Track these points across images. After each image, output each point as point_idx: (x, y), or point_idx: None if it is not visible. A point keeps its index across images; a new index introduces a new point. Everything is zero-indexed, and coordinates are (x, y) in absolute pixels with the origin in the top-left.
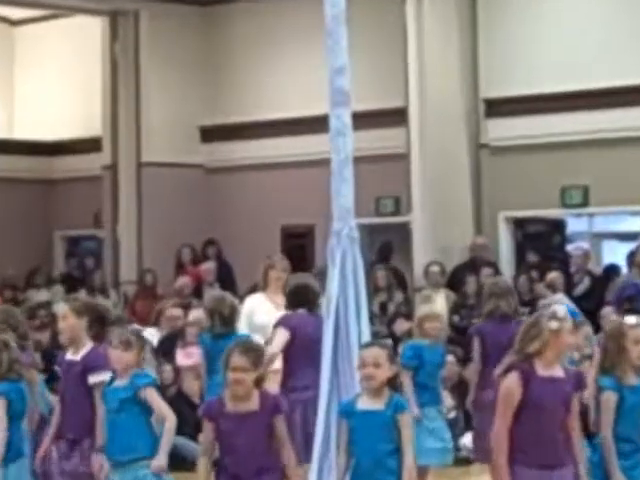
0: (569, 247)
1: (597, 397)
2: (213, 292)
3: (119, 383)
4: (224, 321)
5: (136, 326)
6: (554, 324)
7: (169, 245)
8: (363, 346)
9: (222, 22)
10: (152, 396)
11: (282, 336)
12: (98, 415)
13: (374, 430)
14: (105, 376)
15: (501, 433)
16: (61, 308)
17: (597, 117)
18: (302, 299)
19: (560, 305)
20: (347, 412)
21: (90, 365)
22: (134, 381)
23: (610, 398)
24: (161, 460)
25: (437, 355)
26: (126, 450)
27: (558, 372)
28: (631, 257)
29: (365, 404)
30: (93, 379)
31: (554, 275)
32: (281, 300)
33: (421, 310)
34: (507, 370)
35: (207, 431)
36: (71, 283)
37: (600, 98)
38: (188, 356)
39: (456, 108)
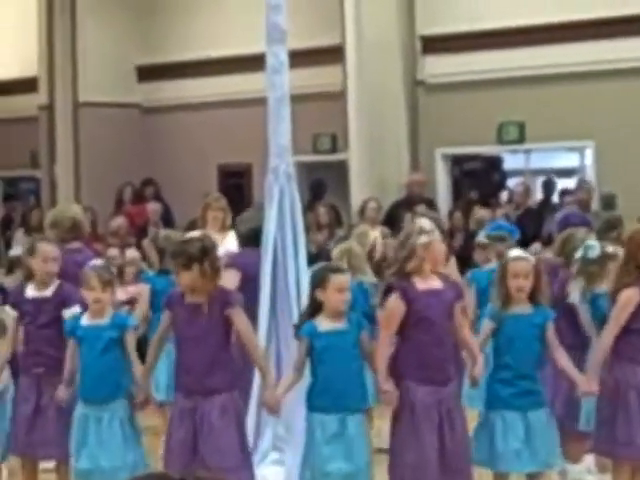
0: (510, 183)
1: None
2: (164, 231)
3: (98, 321)
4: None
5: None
6: (424, 238)
7: (106, 185)
8: (335, 270)
9: None
10: (132, 341)
11: (234, 277)
12: (69, 348)
13: (343, 349)
14: (77, 309)
15: (384, 347)
16: (53, 251)
17: (532, 54)
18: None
19: (423, 219)
20: (310, 333)
21: (66, 299)
22: (118, 321)
23: (485, 325)
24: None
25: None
26: (107, 389)
27: (436, 284)
28: (562, 193)
29: (328, 325)
30: (68, 313)
31: (482, 213)
32: (220, 238)
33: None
34: (386, 292)
35: (164, 319)
36: (8, 224)
37: (534, 34)
38: (126, 294)
39: (392, 45)
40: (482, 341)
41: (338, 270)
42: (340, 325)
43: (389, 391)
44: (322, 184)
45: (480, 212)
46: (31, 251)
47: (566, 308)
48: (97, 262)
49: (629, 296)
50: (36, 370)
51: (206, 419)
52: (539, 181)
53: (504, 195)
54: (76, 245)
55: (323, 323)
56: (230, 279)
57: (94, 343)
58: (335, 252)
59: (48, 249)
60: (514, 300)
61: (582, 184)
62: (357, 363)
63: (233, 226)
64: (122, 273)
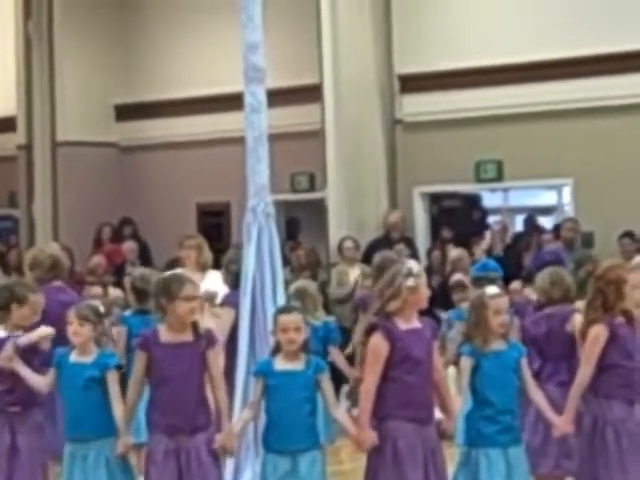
0: (489, 221)
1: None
2: (139, 271)
3: (83, 359)
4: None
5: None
6: (411, 281)
7: (85, 224)
8: (282, 311)
9: (136, 0)
10: (114, 380)
11: (230, 315)
12: (49, 375)
13: (295, 389)
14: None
15: (370, 391)
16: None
17: (509, 92)
18: None
19: (412, 260)
20: (265, 371)
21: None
22: (100, 360)
23: (465, 363)
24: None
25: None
26: (89, 428)
27: (416, 323)
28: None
29: (283, 365)
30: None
31: (459, 252)
32: (200, 276)
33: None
34: (369, 331)
35: (139, 361)
36: None
37: (512, 73)
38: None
39: (370, 84)
40: (465, 380)
41: (284, 310)
42: (296, 366)
43: (367, 439)
44: (297, 223)
45: (455, 252)
46: (21, 300)
47: (562, 342)
48: (82, 302)
49: (597, 333)
50: (12, 409)
51: (194, 456)
52: (518, 219)
53: (487, 234)
54: (57, 284)
55: (279, 362)
56: (226, 317)
57: (75, 381)
58: (290, 290)
59: (39, 300)
60: (494, 337)
61: (570, 223)
62: (308, 405)
63: (216, 265)
64: (110, 312)
